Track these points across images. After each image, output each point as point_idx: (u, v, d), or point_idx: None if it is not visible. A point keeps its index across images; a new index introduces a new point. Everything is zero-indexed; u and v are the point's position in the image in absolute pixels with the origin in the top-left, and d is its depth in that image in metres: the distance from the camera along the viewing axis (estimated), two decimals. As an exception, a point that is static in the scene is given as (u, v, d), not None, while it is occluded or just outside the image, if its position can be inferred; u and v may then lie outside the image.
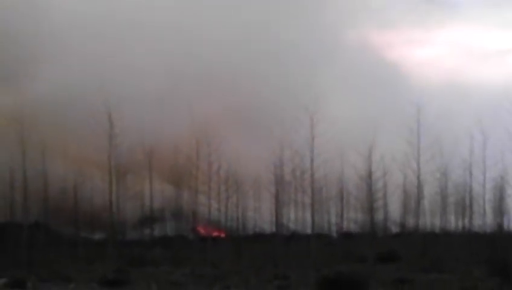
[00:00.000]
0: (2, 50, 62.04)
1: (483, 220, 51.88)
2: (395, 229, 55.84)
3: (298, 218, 53.82)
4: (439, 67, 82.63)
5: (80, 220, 53.79)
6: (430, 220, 54.31)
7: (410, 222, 51.79)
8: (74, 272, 40.98)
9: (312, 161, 47.14)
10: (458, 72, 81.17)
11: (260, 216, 58.86)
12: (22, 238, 48.89)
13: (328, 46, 74.14)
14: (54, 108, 58.16)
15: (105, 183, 49.35)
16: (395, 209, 53.94)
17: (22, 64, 62.31)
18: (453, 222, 53.97)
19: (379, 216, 51.16)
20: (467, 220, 51.79)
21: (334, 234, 56.71)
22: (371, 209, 49.20)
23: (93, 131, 48.28)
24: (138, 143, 52.30)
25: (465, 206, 51.92)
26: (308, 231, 50.56)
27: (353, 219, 56.34)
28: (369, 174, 48.14)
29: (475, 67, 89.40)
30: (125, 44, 66.77)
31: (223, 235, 55.10)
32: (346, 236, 56.29)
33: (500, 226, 53.19)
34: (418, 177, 48.28)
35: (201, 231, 54.74)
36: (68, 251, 49.92)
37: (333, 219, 56.77)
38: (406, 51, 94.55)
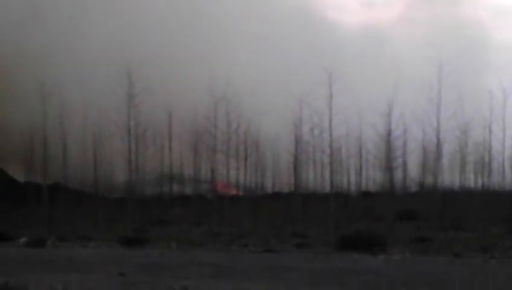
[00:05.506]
0: (21, 10, 62.41)
1: (502, 178, 51.69)
2: (414, 187, 55.65)
3: (317, 177, 53.83)
4: (461, 26, 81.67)
5: (99, 180, 54.08)
6: (449, 179, 54.05)
7: (429, 180, 51.60)
8: (94, 232, 41.34)
9: (331, 119, 46.90)
10: (479, 29, 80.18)
11: (279, 175, 58.97)
12: (42, 198, 49.28)
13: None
14: (75, 69, 58.38)
15: (124, 143, 49.47)
16: (414, 168, 53.72)
17: (42, 23, 62.65)
18: (472, 180, 53.77)
19: (398, 174, 51.04)
20: (486, 178, 51.57)
21: (353, 193, 56.66)
22: (390, 168, 49.11)
23: (113, 90, 48.27)
24: (157, 102, 52.28)
25: (484, 164, 51.66)
26: (327, 190, 50.53)
27: (372, 178, 56.27)
28: (389, 132, 48.00)
29: (497, 24, 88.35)
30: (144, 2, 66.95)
31: (241, 194, 55.24)
32: (365, 195, 56.31)
33: (519, 184, 52.94)
34: (438, 135, 48.04)
35: (220, 187, 54.80)
36: (88, 210, 50.31)
37: (352, 178, 56.67)
38: (426, 9, 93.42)
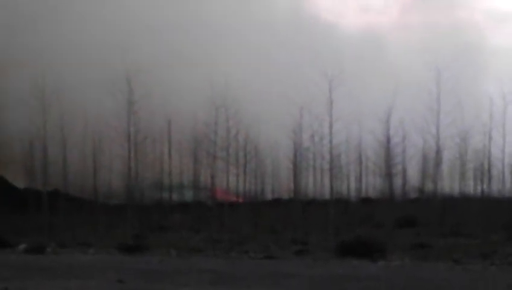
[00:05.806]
0: (22, 15, 62.57)
1: (502, 185, 51.61)
2: (413, 194, 55.60)
3: (317, 183, 53.77)
4: (459, 31, 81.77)
5: (98, 187, 54.03)
6: (449, 185, 53.96)
7: (429, 186, 51.56)
8: (93, 238, 41.32)
9: (331, 126, 46.91)
10: (475, 33, 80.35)
11: (278, 182, 58.90)
12: (42, 204, 49.22)
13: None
14: (74, 75, 58.39)
15: (124, 150, 49.43)
16: (413, 174, 53.66)
17: (42, 29, 62.76)
18: (472, 187, 53.66)
19: (398, 181, 50.96)
20: (485, 185, 51.45)
21: (353, 199, 56.61)
22: (389, 174, 49.05)
23: (112, 97, 48.23)
24: (157, 109, 52.26)
25: (484, 171, 51.53)
26: (327, 196, 50.49)
27: (372, 184, 56.21)
28: (388, 139, 47.97)
29: (493, 28, 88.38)
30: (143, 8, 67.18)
31: (241, 200, 55.18)
32: (365, 201, 56.26)
33: (519, 191, 52.83)
34: (437, 142, 48.00)
35: (219, 193, 54.78)
36: (87, 217, 50.28)
37: (352, 184, 56.62)
38: (422, 13, 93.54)
